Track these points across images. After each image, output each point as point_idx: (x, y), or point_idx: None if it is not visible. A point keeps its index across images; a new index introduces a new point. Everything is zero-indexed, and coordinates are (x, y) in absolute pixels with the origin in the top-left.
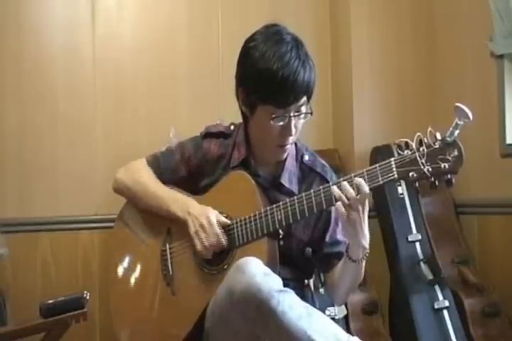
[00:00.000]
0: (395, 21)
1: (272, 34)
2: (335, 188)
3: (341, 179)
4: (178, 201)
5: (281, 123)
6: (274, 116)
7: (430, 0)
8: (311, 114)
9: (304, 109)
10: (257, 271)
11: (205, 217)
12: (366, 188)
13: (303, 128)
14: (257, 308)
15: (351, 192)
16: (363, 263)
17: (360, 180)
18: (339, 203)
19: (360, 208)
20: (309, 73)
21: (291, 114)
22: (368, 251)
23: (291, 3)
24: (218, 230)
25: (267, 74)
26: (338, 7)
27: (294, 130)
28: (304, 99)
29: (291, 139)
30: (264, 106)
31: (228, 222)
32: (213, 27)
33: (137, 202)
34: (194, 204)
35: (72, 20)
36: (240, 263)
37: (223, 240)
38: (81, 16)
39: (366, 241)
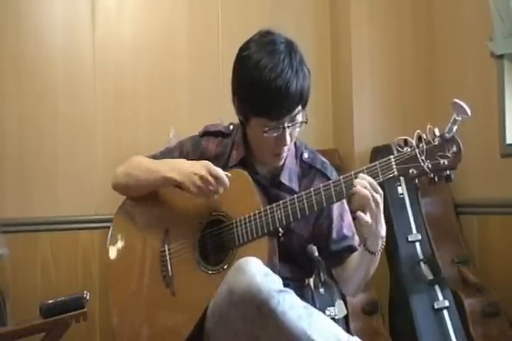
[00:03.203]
0: (395, 21)
1: (266, 44)
2: (357, 184)
3: (341, 177)
4: (166, 164)
5: (275, 134)
6: (267, 128)
7: (430, 0)
8: (306, 122)
9: (299, 117)
10: (257, 271)
11: (201, 166)
12: (369, 179)
13: (303, 128)
14: (257, 309)
15: (365, 183)
16: (379, 255)
17: (362, 175)
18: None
19: (378, 197)
20: (303, 81)
21: (285, 125)
22: (384, 242)
23: (292, 3)
24: (221, 173)
25: (260, 86)
26: (338, 7)
27: (288, 140)
28: (299, 108)
29: (286, 148)
30: (257, 118)
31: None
32: (213, 27)
33: (134, 184)
34: (183, 162)
35: (72, 20)
36: (240, 263)
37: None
38: (81, 17)
39: (384, 231)
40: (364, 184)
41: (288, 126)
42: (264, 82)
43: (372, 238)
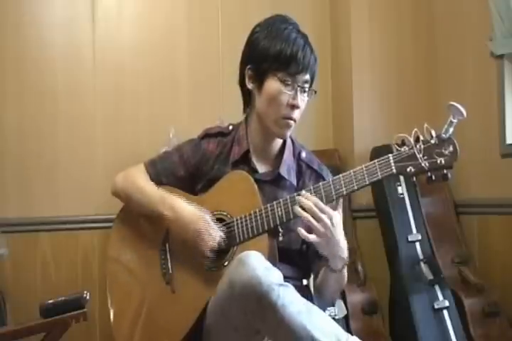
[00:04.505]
0: (395, 21)
1: (277, 18)
2: (296, 207)
3: (340, 175)
4: (165, 202)
5: (289, 92)
6: (284, 79)
7: (430, 0)
8: (316, 92)
9: (307, 87)
10: (258, 265)
11: (202, 220)
12: (314, 199)
13: (303, 127)
14: (257, 301)
15: (307, 203)
16: (345, 271)
17: (302, 196)
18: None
19: (326, 219)
20: (314, 55)
21: (299, 84)
22: (348, 260)
23: (292, 3)
24: (218, 230)
25: (277, 48)
26: (338, 7)
27: (299, 102)
28: (308, 76)
29: (296, 113)
30: (274, 73)
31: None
32: (213, 27)
33: (132, 205)
34: (183, 207)
35: (72, 20)
36: (242, 256)
37: (222, 236)
38: (81, 16)
39: (343, 252)
40: (308, 205)
41: (301, 87)
42: (280, 47)
43: (332, 258)
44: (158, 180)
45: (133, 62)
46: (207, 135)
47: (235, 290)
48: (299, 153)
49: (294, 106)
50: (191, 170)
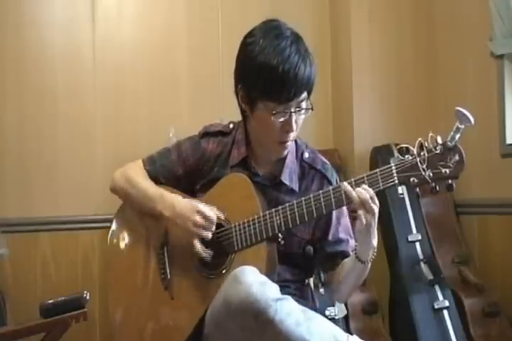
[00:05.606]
0: (395, 21)
1: (271, 28)
2: (353, 193)
3: (345, 182)
4: (164, 199)
5: (282, 119)
6: (274, 112)
7: (430, 0)
8: (312, 109)
9: (304, 104)
10: (253, 281)
11: (196, 212)
12: (371, 191)
13: (303, 127)
14: (254, 318)
15: (365, 194)
16: (369, 265)
17: (365, 187)
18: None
19: (375, 209)
20: (310, 68)
21: (292, 110)
22: (375, 252)
23: (292, 3)
24: (215, 218)
25: (268, 69)
26: (338, 8)
27: (294, 126)
28: (305, 94)
29: (291, 135)
30: (264, 102)
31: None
32: (213, 26)
33: (130, 203)
34: (180, 202)
35: (72, 20)
36: (236, 272)
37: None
38: (81, 16)
39: (376, 242)
40: (364, 196)
41: (295, 111)
42: (271, 65)
43: (363, 246)
44: (156, 179)
45: (133, 62)
46: (207, 133)
47: (231, 308)
48: (302, 154)
49: (288, 131)
50: (189, 170)
